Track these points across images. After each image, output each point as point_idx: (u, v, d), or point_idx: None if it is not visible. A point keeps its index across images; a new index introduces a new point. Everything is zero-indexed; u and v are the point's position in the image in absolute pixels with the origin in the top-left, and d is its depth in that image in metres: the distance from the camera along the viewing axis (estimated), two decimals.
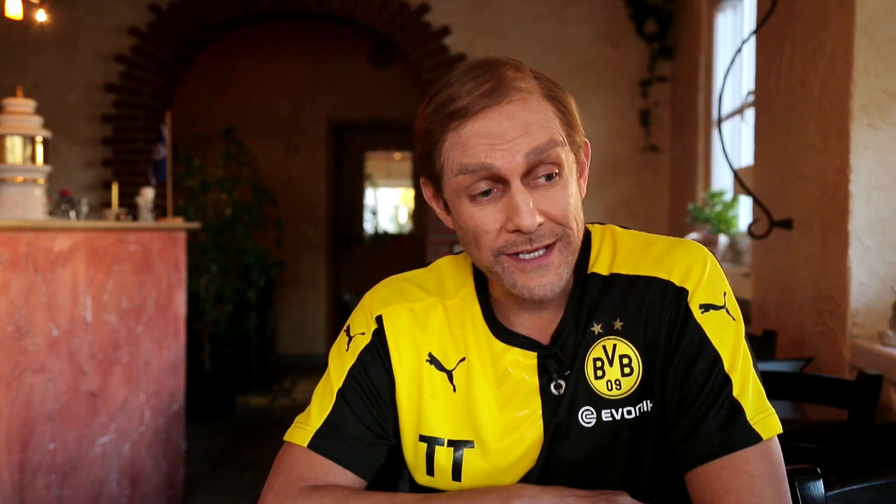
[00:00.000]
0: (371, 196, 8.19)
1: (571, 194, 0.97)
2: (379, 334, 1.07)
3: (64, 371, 2.68)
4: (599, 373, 1.00)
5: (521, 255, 0.95)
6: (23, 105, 2.93)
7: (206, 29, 5.56)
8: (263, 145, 6.95)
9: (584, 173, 1.04)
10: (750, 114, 3.53)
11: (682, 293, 0.99)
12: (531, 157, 0.93)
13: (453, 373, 1.04)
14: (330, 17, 5.66)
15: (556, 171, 0.95)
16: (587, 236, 1.06)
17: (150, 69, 5.54)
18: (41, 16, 4.04)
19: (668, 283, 1.00)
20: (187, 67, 6.03)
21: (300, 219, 7.15)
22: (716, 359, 0.97)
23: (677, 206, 4.81)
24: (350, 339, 1.08)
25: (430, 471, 1.05)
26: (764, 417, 0.95)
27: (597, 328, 1.01)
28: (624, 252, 1.04)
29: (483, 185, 0.94)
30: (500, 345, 1.03)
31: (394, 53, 6.94)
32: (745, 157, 3.73)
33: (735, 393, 0.95)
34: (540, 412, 1.01)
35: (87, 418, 2.84)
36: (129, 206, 4.15)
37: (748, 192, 2.91)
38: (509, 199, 0.94)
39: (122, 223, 3.17)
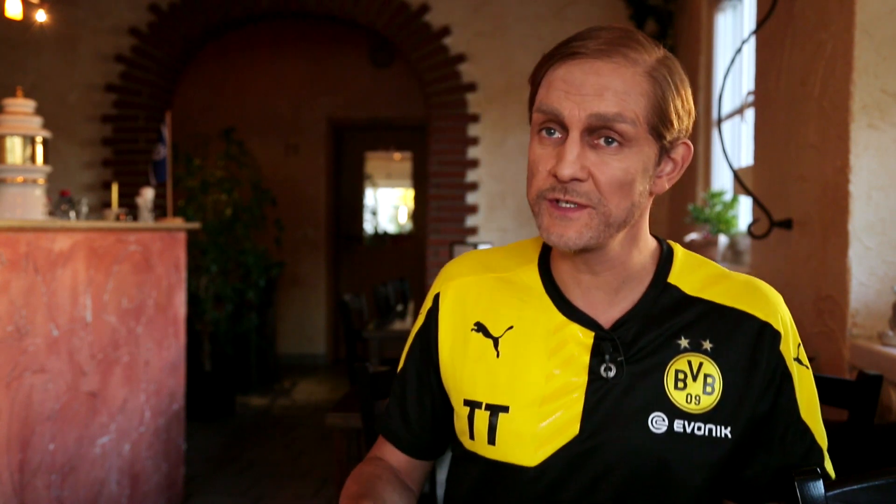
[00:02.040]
0: (371, 196, 8.17)
1: (628, 170, 0.97)
2: (432, 314, 1.15)
3: (64, 371, 2.68)
4: (681, 384, 1.02)
5: (559, 203, 0.98)
6: (23, 105, 2.93)
7: (206, 29, 5.56)
8: (263, 145, 6.95)
9: (672, 174, 1.04)
10: (750, 114, 3.53)
11: (776, 336, 1.04)
12: (593, 120, 0.95)
13: (500, 339, 1.08)
14: (330, 17, 5.66)
15: (620, 140, 0.96)
16: (670, 250, 1.10)
17: (150, 69, 5.54)
18: (41, 16, 4.03)
19: (765, 324, 1.04)
20: (187, 67, 6.03)
21: (300, 219, 7.15)
22: (798, 407, 1.06)
23: (677, 206, 4.81)
24: (418, 314, 1.19)
25: (471, 435, 1.08)
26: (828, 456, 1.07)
27: (684, 342, 1.04)
28: (706, 277, 1.08)
29: (550, 124, 0.99)
30: (560, 317, 1.06)
31: (394, 53, 6.94)
32: (745, 157, 3.72)
33: (817, 438, 1.07)
34: (584, 389, 1.02)
35: (87, 418, 2.84)
36: (129, 206, 4.15)
37: (748, 192, 2.90)
38: (563, 147, 0.97)
39: (122, 223, 3.17)
